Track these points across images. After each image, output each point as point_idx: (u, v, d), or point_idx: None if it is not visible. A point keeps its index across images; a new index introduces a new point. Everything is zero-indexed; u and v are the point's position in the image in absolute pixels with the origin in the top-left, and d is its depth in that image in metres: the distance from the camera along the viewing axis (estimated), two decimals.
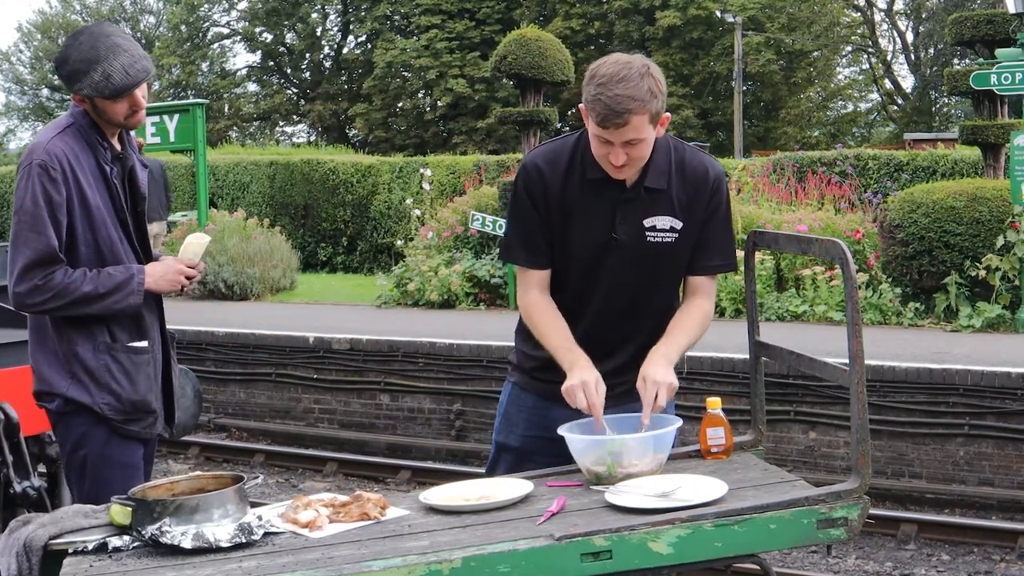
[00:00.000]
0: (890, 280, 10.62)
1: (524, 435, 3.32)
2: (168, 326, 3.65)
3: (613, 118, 2.94)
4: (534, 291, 3.22)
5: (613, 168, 3.05)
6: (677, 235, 3.14)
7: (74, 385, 3.35)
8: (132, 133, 3.56)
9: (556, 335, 3.13)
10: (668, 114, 3.06)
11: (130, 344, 3.41)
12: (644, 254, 3.13)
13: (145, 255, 3.49)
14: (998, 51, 10.74)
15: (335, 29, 43.42)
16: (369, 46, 39.70)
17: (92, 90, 3.29)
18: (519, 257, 3.22)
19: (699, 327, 3.20)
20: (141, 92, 3.36)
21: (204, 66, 45.19)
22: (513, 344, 3.44)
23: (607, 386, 3.03)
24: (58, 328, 3.36)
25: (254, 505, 2.82)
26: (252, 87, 45.90)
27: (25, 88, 48.99)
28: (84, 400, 3.35)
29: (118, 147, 3.46)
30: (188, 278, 3.49)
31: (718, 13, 35.24)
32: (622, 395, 3.12)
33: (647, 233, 3.13)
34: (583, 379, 2.99)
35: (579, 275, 3.18)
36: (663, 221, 3.13)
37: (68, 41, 3.37)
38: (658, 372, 3.01)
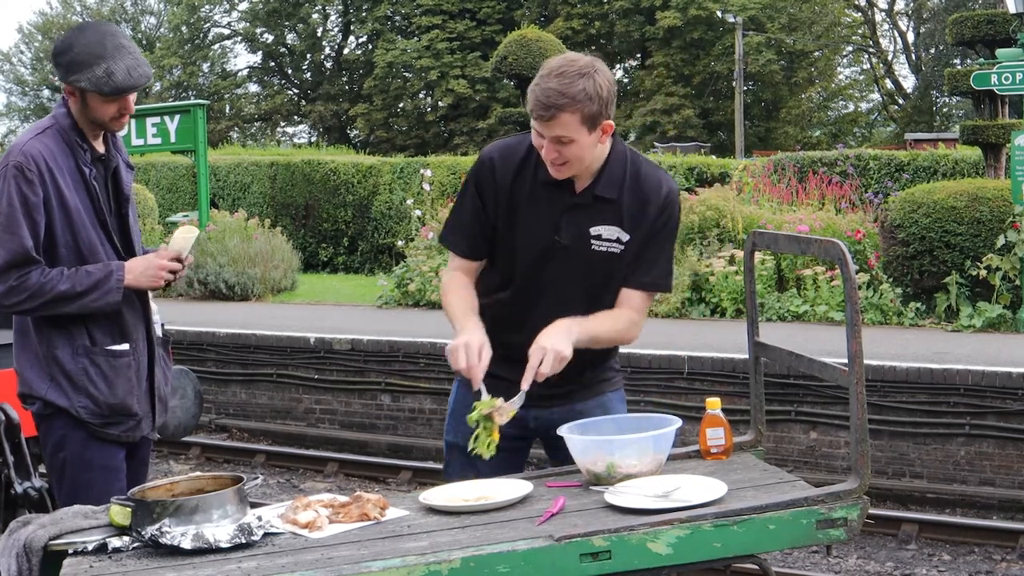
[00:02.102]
0: (891, 280, 10.62)
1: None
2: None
3: (539, 110, 2.93)
4: (457, 272, 3.22)
5: (550, 165, 3.02)
6: (623, 247, 3.10)
7: (52, 388, 3.34)
8: (119, 134, 3.52)
9: (459, 306, 3.12)
10: (611, 122, 2.99)
11: (109, 348, 3.38)
12: (588, 262, 3.10)
13: (129, 257, 3.43)
14: (999, 51, 10.75)
15: (336, 30, 43.46)
16: (370, 46, 39.74)
17: (90, 84, 3.25)
18: (451, 243, 3.24)
19: (618, 329, 3.12)
20: (132, 97, 3.34)
21: (205, 67, 45.22)
22: None
23: (547, 389, 2.98)
24: (39, 330, 3.35)
25: (254, 505, 2.83)
26: (253, 88, 45.97)
27: (26, 89, 49.05)
28: (62, 403, 3.34)
29: (101, 149, 3.42)
30: (173, 272, 3.41)
31: (719, 13, 35.24)
32: (564, 395, 3.17)
33: (592, 241, 3.09)
34: (466, 340, 2.96)
35: (524, 277, 3.15)
36: (610, 231, 3.09)
37: (72, 32, 3.33)
38: (551, 339, 2.94)
